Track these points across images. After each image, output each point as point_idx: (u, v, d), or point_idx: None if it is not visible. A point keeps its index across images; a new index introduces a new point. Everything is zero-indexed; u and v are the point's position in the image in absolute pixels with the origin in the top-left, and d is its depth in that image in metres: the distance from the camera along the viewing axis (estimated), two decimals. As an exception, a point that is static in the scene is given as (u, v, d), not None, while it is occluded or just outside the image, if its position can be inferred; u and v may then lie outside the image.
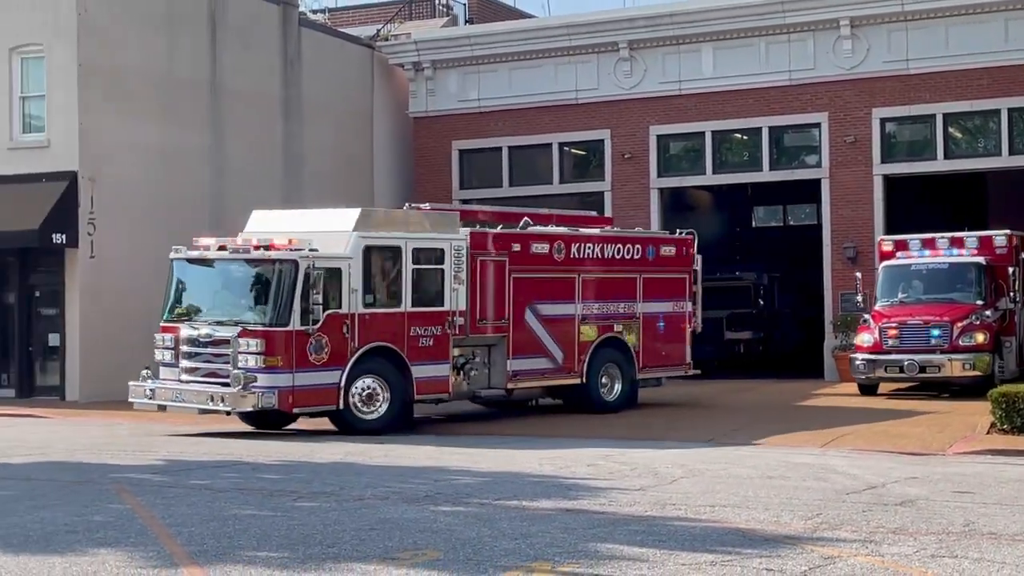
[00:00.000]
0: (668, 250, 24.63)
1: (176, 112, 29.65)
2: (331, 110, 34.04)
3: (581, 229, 24.05)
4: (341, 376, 19.52)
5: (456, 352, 21.29)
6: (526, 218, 23.24)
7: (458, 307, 21.08)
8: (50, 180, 27.41)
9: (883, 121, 30.92)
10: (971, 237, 26.69)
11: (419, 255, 20.86)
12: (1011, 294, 25.96)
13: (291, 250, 19.33)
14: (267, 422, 20.54)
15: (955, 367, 24.75)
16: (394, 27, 37.61)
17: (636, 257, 23.99)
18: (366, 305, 20.00)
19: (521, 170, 34.85)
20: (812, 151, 31.93)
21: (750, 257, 40.36)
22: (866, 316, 26.31)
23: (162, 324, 20.69)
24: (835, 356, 30.19)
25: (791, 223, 44.36)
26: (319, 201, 33.35)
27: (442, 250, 21.06)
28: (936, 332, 24.98)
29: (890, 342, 25.26)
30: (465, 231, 21.57)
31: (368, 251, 20.24)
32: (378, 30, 36.87)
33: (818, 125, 31.51)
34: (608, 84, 33.35)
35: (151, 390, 20.23)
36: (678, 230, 25.67)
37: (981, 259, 26.07)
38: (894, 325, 25.33)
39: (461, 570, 9.02)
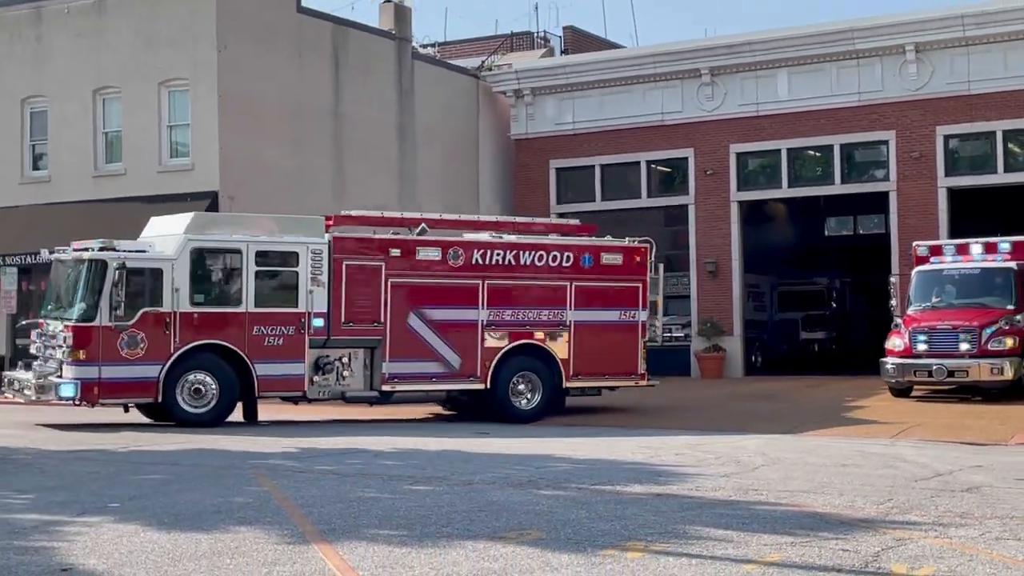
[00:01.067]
0: (612, 258, 22.10)
1: (303, 137, 30.10)
2: (441, 134, 34.27)
3: (505, 236, 21.83)
4: (161, 371, 18.87)
5: (322, 352, 20.13)
6: (423, 224, 21.36)
7: (315, 308, 19.84)
8: (194, 199, 27.91)
9: (946, 138, 30.34)
10: (1004, 242, 24.96)
11: (265, 257, 19.85)
12: None
13: (103, 251, 18.93)
14: (159, 414, 19.90)
15: (983, 371, 22.87)
16: (497, 58, 37.79)
17: (566, 265, 21.69)
18: (195, 304, 19.22)
19: (612, 186, 34.77)
20: (880, 166, 31.43)
21: (823, 263, 39.86)
22: (897, 320, 24.61)
23: (38, 319, 20.63)
24: (902, 354, 29.68)
25: (861, 232, 43.66)
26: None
27: (296, 253, 19.90)
28: (965, 337, 23.10)
29: (920, 347, 23.43)
30: (329, 235, 20.19)
31: (197, 252, 19.42)
32: (482, 61, 37.04)
33: (886, 142, 31.02)
34: (691, 107, 33.15)
35: (7, 381, 20.39)
36: (628, 239, 23.03)
37: (1013, 264, 24.25)
38: (924, 330, 23.53)
39: (562, 549, 8.99)
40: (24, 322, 30.51)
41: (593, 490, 12.13)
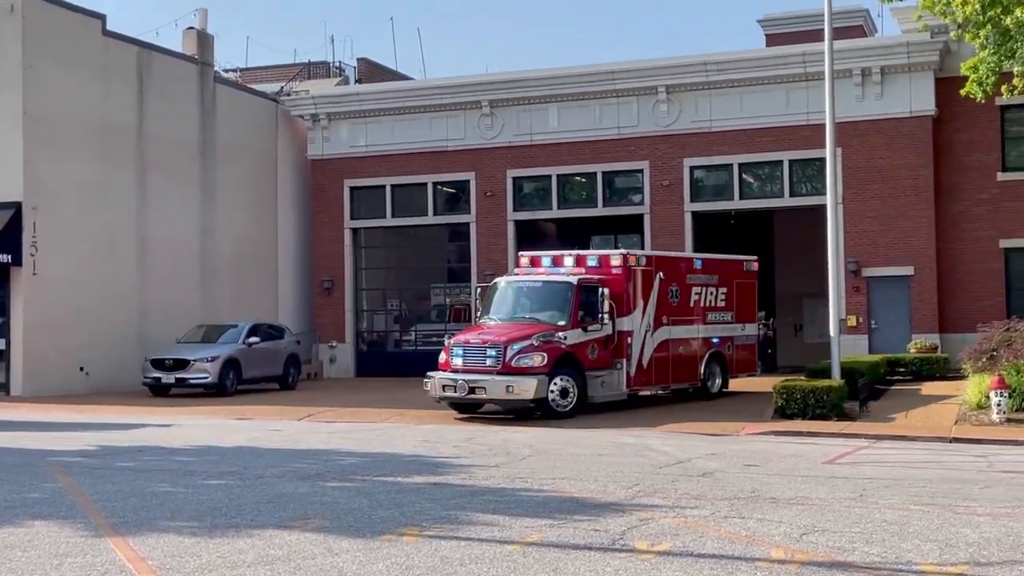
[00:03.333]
0: None
1: (107, 152, 28.90)
2: (241, 152, 33.50)
3: None
4: None
5: None
6: None
7: None
8: (-2, 209, 26.48)
9: (692, 168, 31.53)
10: (592, 256, 22.23)
11: None
12: (601, 315, 20.81)
13: None
14: None
15: (498, 389, 19.85)
16: (295, 84, 37.21)
17: None
18: None
19: (402, 204, 34.67)
20: (637, 191, 32.39)
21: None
22: (450, 335, 22.19)
23: None
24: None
25: (621, 248, 44.95)
26: (232, 229, 32.88)
27: None
28: (491, 353, 20.09)
29: (456, 361, 20.52)
30: None
31: None
32: (282, 87, 36.41)
33: (641, 171, 32.00)
34: (473, 135, 33.43)
35: None
36: None
37: (573, 279, 21.20)
38: (461, 344, 20.72)
39: (344, 535, 8.90)
40: None
41: (376, 481, 12.05)
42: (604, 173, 32.46)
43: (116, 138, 29.13)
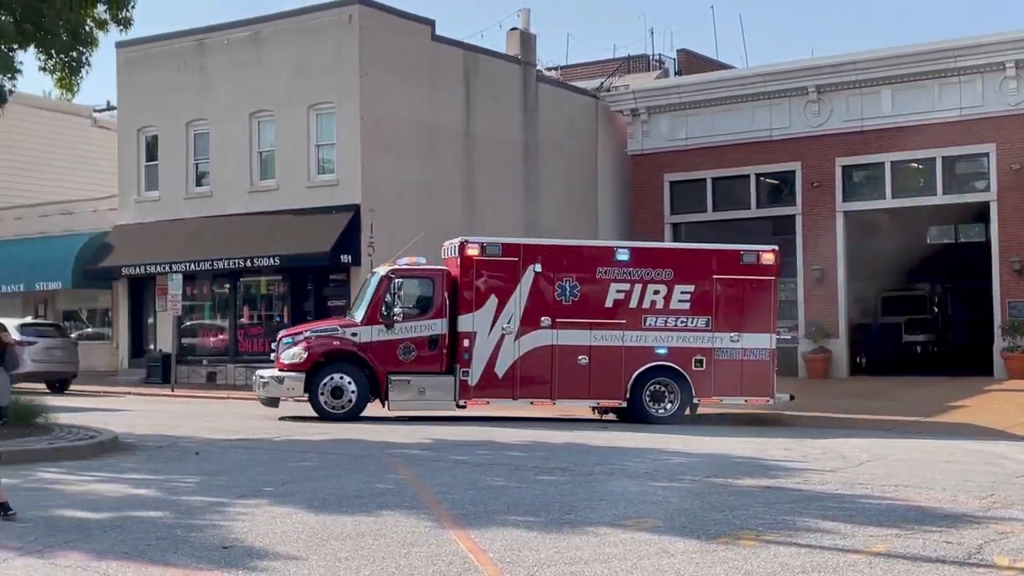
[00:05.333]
0: None
1: (436, 155, 30.43)
2: (562, 151, 34.30)
3: None
4: None
5: None
6: None
7: None
8: (338, 212, 28.50)
9: (1048, 150, 29.25)
10: (453, 245, 20.45)
11: None
12: (392, 312, 19.50)
13: None
14: None
15: (259, 386, 19.86)
16: (615, 80, 37.65)
17: None
18: None
19: (722, 197, 34.33)
20: (981, 177, 30.42)
21: (925, 270, 38.76)
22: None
23: None
24: (1003, 356, 28.75)
25: (961, 240, 42.40)
26: (553, 227, 33.78)
27: None
28: (273, 348, 20.60)
29: (272, 354, 20.63)
30: None
31: None
32: (601, 82, 36.93)
33: (986, 155, 30.00)
34: (798, 123, 32.57)
35: None
36: None
37: (383, 270, 20.17)
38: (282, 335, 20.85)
39: (678, 535, 8.92)
40: (188, 323, 31.61)
41: (706, 482, 12.01)
42: (944, 159, 30.69)
43: (444, 141, 30.64)
